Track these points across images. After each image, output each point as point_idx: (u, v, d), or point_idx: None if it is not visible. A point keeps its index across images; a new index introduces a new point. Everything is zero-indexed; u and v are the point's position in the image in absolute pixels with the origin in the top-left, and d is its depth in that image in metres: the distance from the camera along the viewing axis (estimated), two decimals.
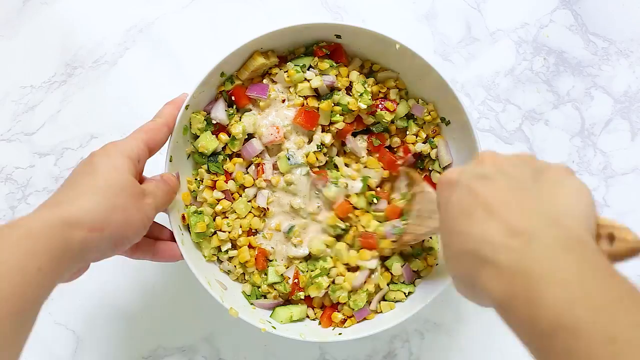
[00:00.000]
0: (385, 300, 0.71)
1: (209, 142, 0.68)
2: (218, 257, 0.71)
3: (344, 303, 0.70)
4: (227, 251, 0.70)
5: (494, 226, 0.41)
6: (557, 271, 0.37)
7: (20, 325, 0.44)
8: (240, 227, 0.70)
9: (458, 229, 0.44)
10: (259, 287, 0.70)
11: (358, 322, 0.70)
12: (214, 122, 0.69)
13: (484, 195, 0.44)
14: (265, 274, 0.70)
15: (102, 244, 0.51)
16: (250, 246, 0.71)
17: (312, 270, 0.70)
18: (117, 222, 0.52)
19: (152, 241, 0.64)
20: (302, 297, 0.71)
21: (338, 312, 0.70)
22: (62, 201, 0.51)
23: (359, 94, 0.69)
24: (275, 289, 0.70)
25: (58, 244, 0.47)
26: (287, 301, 0.72)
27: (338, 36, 0.69)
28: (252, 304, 0.70)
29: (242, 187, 0.71)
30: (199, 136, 0.69)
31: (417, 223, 0.66)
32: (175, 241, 0.65)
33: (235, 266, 0.71)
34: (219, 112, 0.69)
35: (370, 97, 0.70)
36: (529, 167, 0.46)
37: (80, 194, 0.52)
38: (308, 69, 0.71)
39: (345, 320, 0.70)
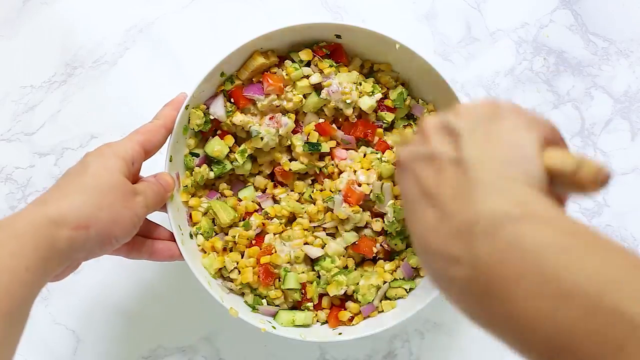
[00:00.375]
0: (387, 299, 0.71)
1: (222, 146, 0.69)
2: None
3: (351, 297, 0.70)
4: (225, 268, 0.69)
5: (434, 222, 0.37)
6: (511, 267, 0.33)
7: (11, 325, 0.44)
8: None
9: (412, 228, 0.40)
10: (264, 297, 0.69)
11: (365, 318, 0.70)
12: (211, 117, 0.69)
13: (424, 179, 0.39)
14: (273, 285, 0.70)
15: (88, 242, 0.51)
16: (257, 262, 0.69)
17: (319, 271, 0.70)
18: (104, 220, 0.52)
19: (149, 241, 0.64)
20: (311, 307, 0.70)
21: (345, 309, 0.70)
22: (48, 200, 0.51)
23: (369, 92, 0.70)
24: (283, 293, 0.69)
25: (44, 243, 0.47)
26: (293, 307, 0.71)
27: (338, 36, 0.69)
28: (255, 309, 0.70)
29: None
30: (195, 131, 0.68)
31: None
32: (171, 240, 0.65)
33: (237, 286, 0.69)
34: (218, 108, 0.69)
35: (380, 91, 0.70)
36: (483, 123, 0.39)
37: (67, 193, 0.52)
38: (307, 65, 0.71)
39: (352, 318, 0.70)
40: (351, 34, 0.68)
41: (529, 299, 0.31)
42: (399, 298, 0.71)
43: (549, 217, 0.34)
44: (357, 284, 0.69)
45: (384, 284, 0.70)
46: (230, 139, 0.70)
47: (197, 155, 0.70)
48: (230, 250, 0.70)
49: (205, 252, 0.69)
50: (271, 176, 0.74)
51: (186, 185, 0.69)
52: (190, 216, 0.69)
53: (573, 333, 0.30)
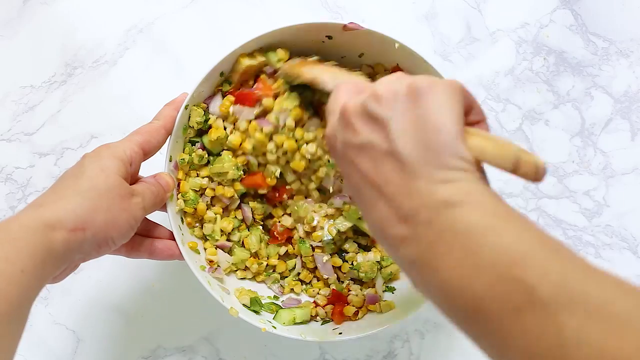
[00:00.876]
0: (387, 290, 0.72)
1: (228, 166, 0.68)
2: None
3: (350, 290, 0.71)
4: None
5: (384, 211, 0.42)
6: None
7: (9, 328, 0.44)
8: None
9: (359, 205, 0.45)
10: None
11: (369, 310, 0.71)
12: (211, 115, 0.69)
13: (365, 171, 0.43)
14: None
15: (85, 245, 0.51)
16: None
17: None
18: (100, 222, 0.52)
19: (149, 240, 0.64)
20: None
21: (348, 304, 0.71)
22: (44, 203, 0.51)
23: None
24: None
25: (40, 246, 0.47)
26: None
27: (329, 37, 0.69)
28: (256, 312, 0.70)
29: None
30: (195, 129, 0.68)
31: None
32: (171, 239, 0.65)
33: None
34: (217, 107, 0.69)
35: None
36: (405, 99, 0.43)
37: (63, 195, 0.51)
38: None
39: (357, 311, 0.70)
40: (351, 33, 0.68)
41: (454, 269, 0.37)
42: (393, 278, 0.72)
43: (479, 201, 0.39)
44: (357, 254, 0.71)
45: (384, 257, 0.72)
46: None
47: (195, 143, 0.69)
48: (212, 206, 0.70)
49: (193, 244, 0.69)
50: None
51: (183, 159, 0.67)
52: (179, 186, 0.68)
53: (485, 297, 0.36)
